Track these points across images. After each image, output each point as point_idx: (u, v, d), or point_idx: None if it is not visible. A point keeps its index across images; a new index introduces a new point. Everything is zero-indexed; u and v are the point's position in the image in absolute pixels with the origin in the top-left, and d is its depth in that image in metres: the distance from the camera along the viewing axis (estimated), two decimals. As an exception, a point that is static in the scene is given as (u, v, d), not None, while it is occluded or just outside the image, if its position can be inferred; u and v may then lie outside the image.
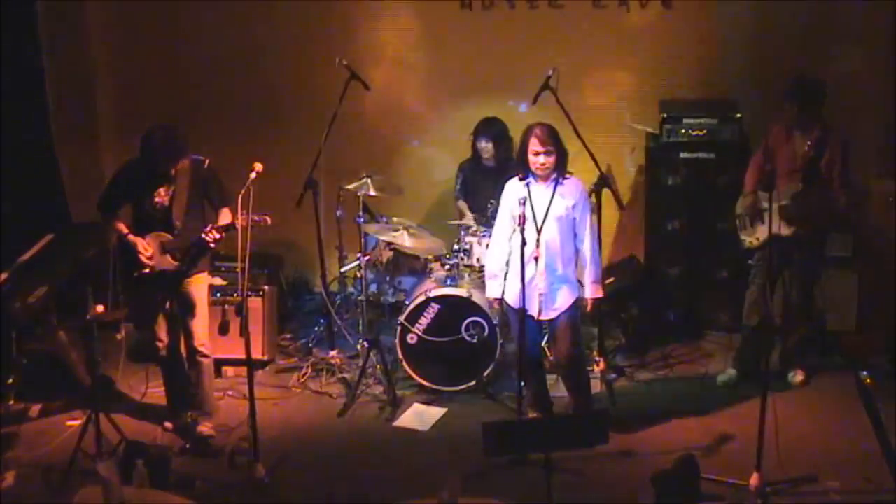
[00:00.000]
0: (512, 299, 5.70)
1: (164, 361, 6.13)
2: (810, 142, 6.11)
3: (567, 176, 5.61)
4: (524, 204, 5.39)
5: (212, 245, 5.81)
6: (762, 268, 6.32)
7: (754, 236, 6.33)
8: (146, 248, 5.85)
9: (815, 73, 6.53)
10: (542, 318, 5.68)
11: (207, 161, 5.93)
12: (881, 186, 5.89)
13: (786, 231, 6.10)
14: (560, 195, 5.55)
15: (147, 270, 5.89)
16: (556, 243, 5.58)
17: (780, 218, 6.02)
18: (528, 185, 5.56)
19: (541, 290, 5.58)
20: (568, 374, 5.87)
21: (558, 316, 5.69)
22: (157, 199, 5.86)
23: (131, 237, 5.86)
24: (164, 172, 5.78)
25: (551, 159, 5.48)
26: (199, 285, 6.02)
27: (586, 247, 5.66)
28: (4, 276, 6.26)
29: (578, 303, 5.78)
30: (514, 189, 5.63)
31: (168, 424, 6.16)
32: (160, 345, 6.07)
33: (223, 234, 5.78)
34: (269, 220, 5.69)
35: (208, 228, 5.77)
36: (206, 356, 6.06)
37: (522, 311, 5.46)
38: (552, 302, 5.65)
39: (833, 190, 6.07)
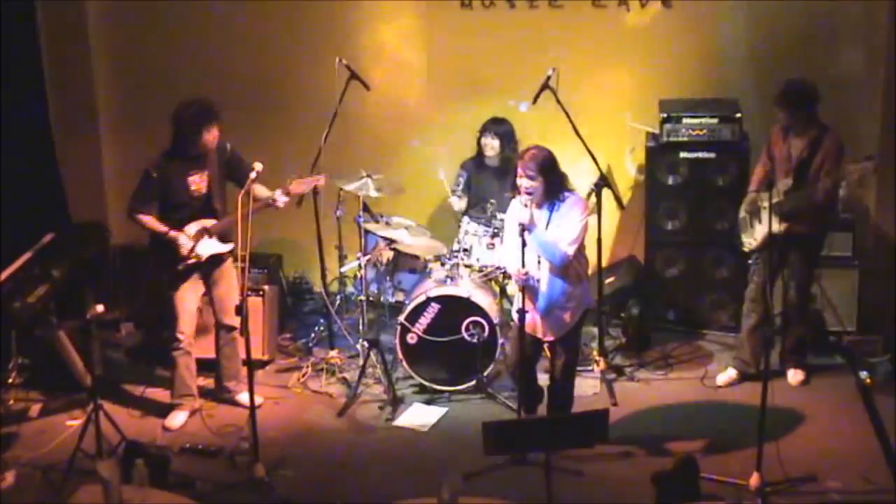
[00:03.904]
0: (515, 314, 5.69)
1: (180, 354, 6.16)
2: (804, 143, 6.12)
3: (563, 198, 5.48)
4: (528, 206, 5.37)
5: (279, 207, 6.00)
6: (760, 265, 6.34)
7: (753, 237, 6.35)
8: (188, 239, 5.94)
9: (814, 73, 6.54)
10: (544, 339, 5.65)
11: (228, 144, 6.06)
12: (856, 167, 5.90)
13: (779, 228, 6.13)
14: (556, 219, 5.46)
15: (192, 261, 5.96)
16: (555, 268, 5.49)
17: (773, 216, 6.07)
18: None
19: (541, 313, 5.55)
20: (553, 391, 5.83)
21: (557, 338, 5.66)
22: (193, 188, 5.94)
23: (172, 233, 5.93)
24: (199, 150, 5.87)
25: (533, 184, 5.38)
26: (230, 261, 6.18)
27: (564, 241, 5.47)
28: (4, 276, 6.27)
29: (582, 323, 5.76)
30: (518, 201, 5.58)
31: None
32: (181, 336, 6.12)
33: (288, 196, 6.00)
34: (322, 179, 6.07)
35: (278, 194, 5.94)
36: (237, 328, 6.10)
37: (522, 312, 5.43)
38: (552, 325, 5.60)
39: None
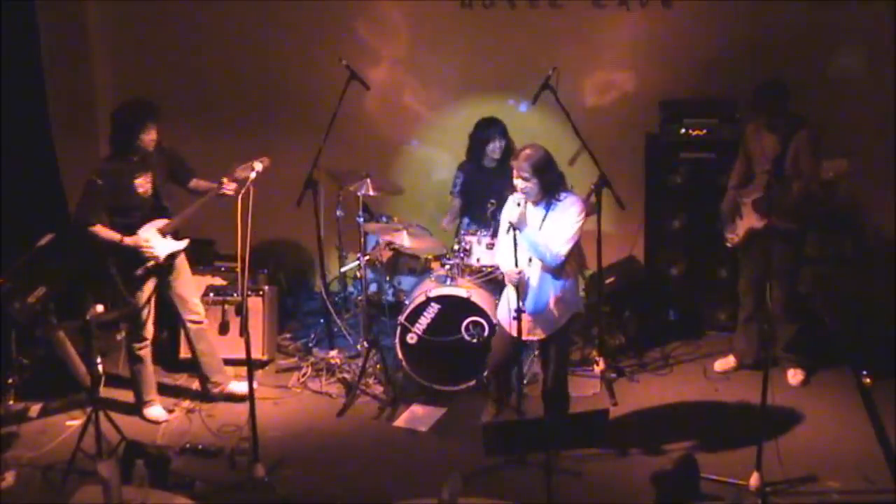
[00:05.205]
0: (501, 314, 5.70)
1: (148, 353, 6.23)
2: (778, 139, 6.15)
3: (560, 197, 5.47)
4: (521, 205, 5.38)
5: (233, 195, 5.88)
6: (748, 261, 6.44)
7: (735, 232, 6.40)
8: (149, 241, 5.96)
9: (814, 73, 6.52)
10: (530, 337, 5.62)
11: (165, 145, 6.08)
12: (831, 164, 5.88)
13: (759, 224, 6.20)
14: (552, 218, 5.46)
15: (151, 263, 5.98)
16: (547, 266, 5.49)
17: (752, 211, 6.18)
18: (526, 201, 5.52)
19: (531, 311, 5.55)
20: (548, 392, 5.82)
21: (548, 338, 5.65)
22: (140, 191, 5.95)
23: (127, 240, 5.93)
24: (143, 152, 5.87)
25: (527, 185, 5.39)
26: (183, 256, 6.22)
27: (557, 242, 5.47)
28: (4, 276, 6.28)
29: (573, 324, 5.75)
30: (514, 199, 5.58)
31: (155, 418, 6.21)
32: (147, 342, 6.18)
33: (238, 183, 5.89)
34: (266, 160, 5.87)
35: (224, 182, 5.93)
36: (203, 321, 6.30)
37: (519, 311, 5.42)
38: (542, 322, 5.59)
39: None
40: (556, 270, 5.49)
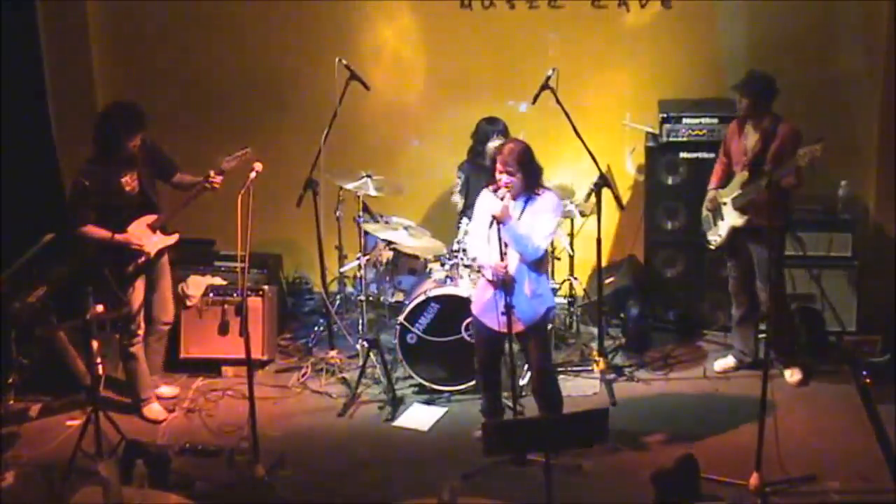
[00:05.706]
0: (478, 310, 5.70)
1: (140, 348, 6.25)
2: (759, 136, 6.14)
3: (539, 192, 5.50)
4: (505, 199, 5.37)
5: (217, 188, 5.98)
6: (735, 261, 6.46)
7: (718, 234, 6.43)
8: (139, 237, 5.99)
9: (813, 72, 6.48)
10: (510, 329, 5.55)
11: (148, 139, 6.06)
12: (805, 151, 5.84)
13: (739, 221, 6.21)
14: (530, 213, 5.47)
15: (142, 260, 6.01)
16: (524, 259, 5.49)
17: (732, 209, 6.20)
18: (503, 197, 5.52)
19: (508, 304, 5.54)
20: (536, 389, 5.81)
21: (526, 331, 5.62)
22: (127, 189, 5.96)
23: (118, 236, 5.95)
24: (128, 153, 5.87)
25: (513, 179, 5.41)
26: (166, 259, 6.27)
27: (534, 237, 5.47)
28: (4, 276, 6.27)
29: (549, 316, 5.75)
30: (489, 195, 5.57)
31: (154, 417, 6.25)
32: (139, 338, 6.20)
33: (222, 175, 5.98)
34: (250, 151, 5.94)
35: (211, 174, 5.96)
36: (171, 323, 6.41)
37: (508, 307, 5.40)
38: (522, 314, 5.53)
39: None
40: (534, 263, 5.51)
